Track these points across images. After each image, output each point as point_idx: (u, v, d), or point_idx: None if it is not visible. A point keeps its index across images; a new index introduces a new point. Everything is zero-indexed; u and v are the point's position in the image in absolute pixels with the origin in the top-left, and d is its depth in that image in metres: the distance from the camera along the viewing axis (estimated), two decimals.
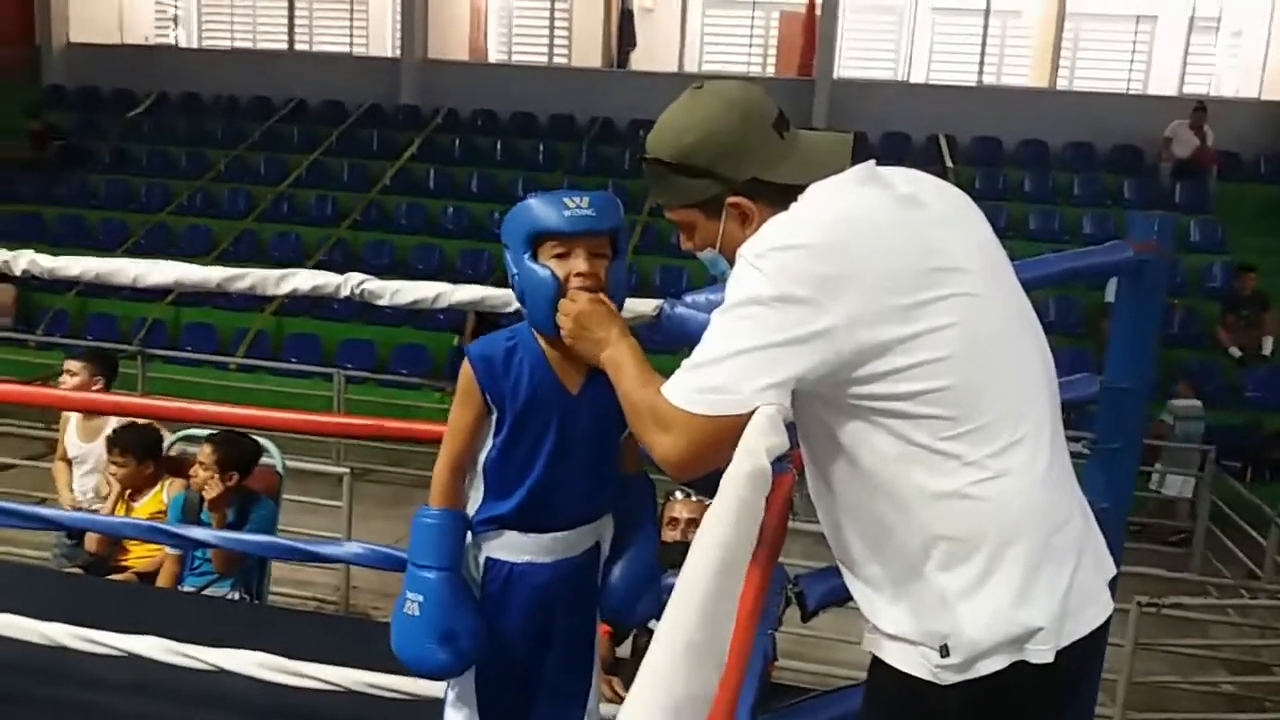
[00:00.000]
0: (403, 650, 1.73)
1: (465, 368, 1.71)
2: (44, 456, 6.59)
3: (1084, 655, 1.40)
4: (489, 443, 1.73)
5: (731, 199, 1.43)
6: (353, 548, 2.24)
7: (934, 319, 1.32)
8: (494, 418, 1.71)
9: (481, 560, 1.77)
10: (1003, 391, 1.36)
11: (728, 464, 1.17)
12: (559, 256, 1.65)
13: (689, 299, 2.01)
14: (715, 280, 1.62)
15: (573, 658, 1.82)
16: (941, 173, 11.71)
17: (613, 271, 1.69)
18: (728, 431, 1.29)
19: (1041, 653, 1.34)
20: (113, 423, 4.25)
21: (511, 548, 1.75)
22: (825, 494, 1.47)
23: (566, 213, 1.63)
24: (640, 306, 2.02)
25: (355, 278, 2.18)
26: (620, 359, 1.52)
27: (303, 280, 2.18)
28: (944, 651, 1.35)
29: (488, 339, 1.74)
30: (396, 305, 2.17)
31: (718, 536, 0.99)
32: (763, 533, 1.34)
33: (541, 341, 1.72)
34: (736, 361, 1.31)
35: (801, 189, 1.40)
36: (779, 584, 1.96)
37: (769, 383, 1.30)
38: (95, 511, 4.15)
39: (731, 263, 1.45)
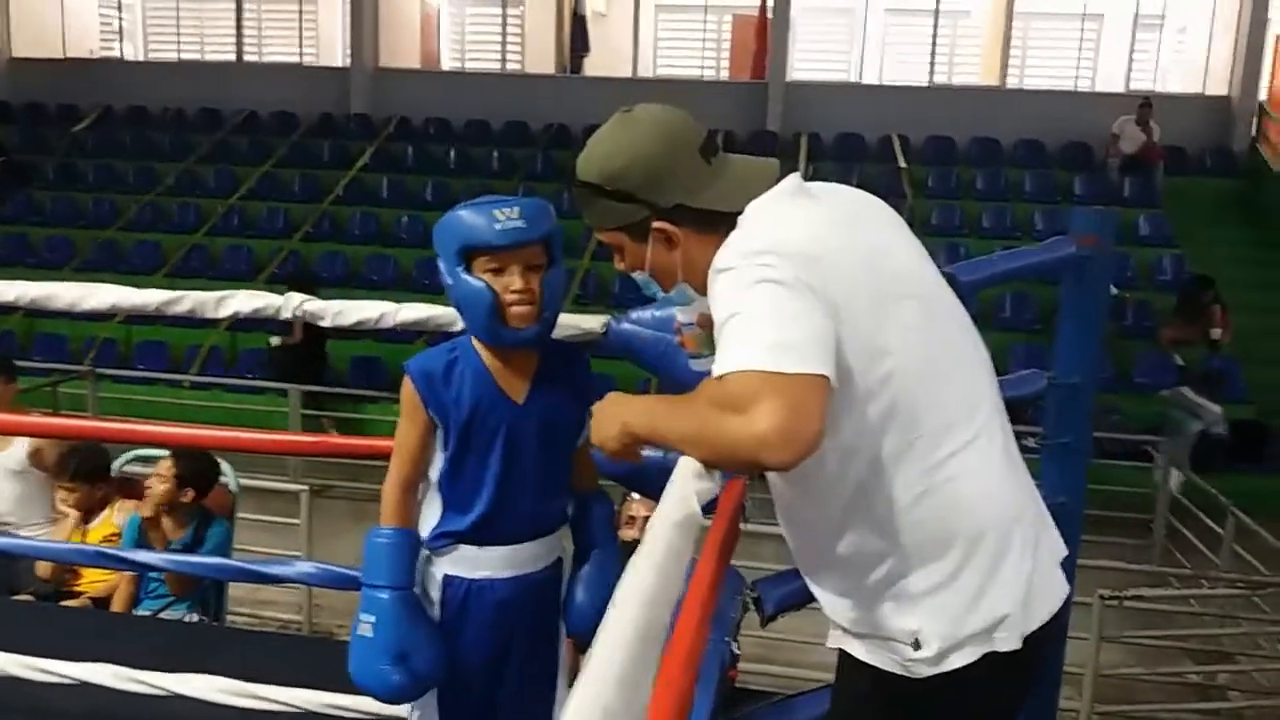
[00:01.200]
0: (357, 673, 1.71)
1: (406, 383, 1.70)
2: None
3: (1048, 639, 1.45)
4: (439, 457, 1.71)
5: (656, 224, 1.45)
6: (305, 567, 2.20)
7: (891, 324, 1.35)
8: (440, 432, 1.69)
9: (438, 577, 1.75)
10: (954, 392, 1.40)
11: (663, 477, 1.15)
12: (492, 271, 1.63)
13: (634, 315, 2.01)
14: (653, 299, 1.61)
15: (537, 676, 1.80)
16: (895, 172, 11.86)
17: (548, 281, 1.67)
18: (818, 393, 1.21)
19: (1009, 640, 1.38)
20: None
21: (468, 563, 1.73)
22: (792, 504, 1.49)
23: (498, 225, 1.60)
24: (586, 323, 2.01)
25: (296, 298, 2.14)
26: (648, 421, 1.37)
27: (242, 302, 2.14)
28: (915, 645, 1.38)
29: (428, 353, 1.73)
30: (339, 326, 2.13)
31: (642, 591, 0.96)
32: (714, 537, 1.34)
33: (483, 352, 1.70)
34: (783, 322, 1.25)
35: (725, 214, 1.42)
36: (735, 589, 1.96)
37: (825, 339, 1.26)
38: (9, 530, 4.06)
39: (662, 284, 1.49)
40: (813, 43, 14.14)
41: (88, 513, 3.91)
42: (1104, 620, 3.99)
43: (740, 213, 1.42)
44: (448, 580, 1.74)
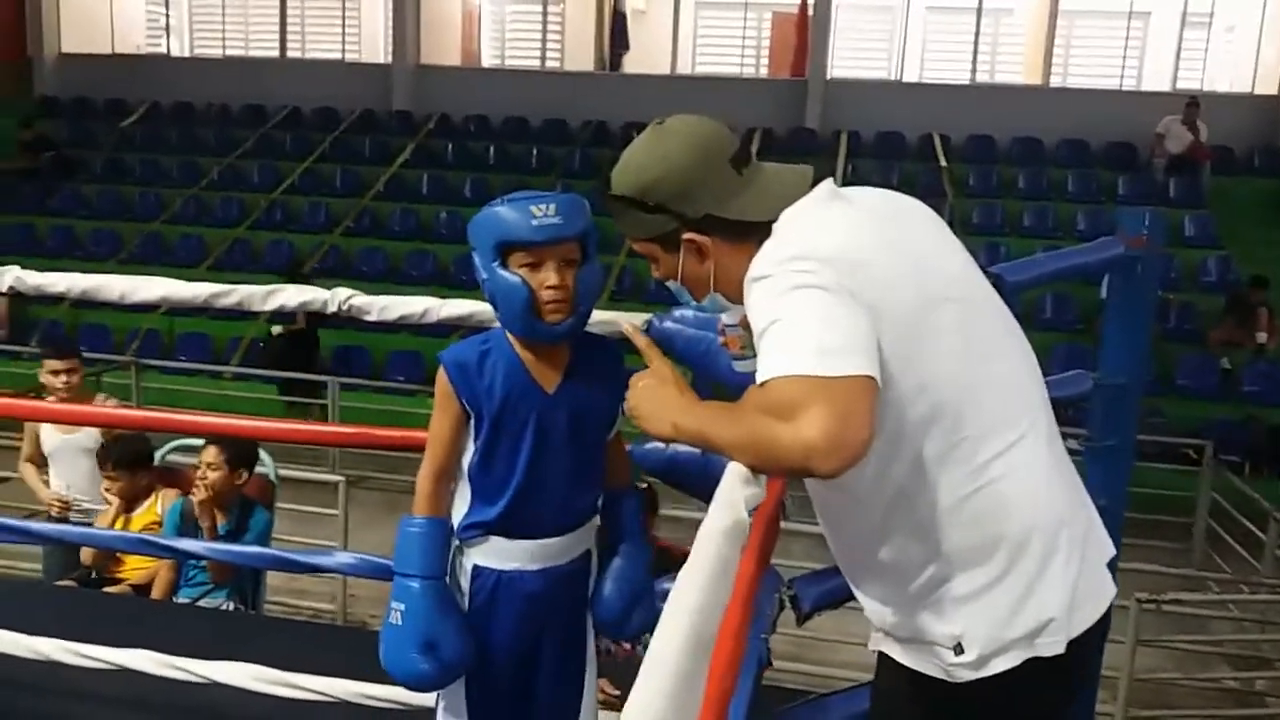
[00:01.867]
0: (387, 660, 1.72)
1: (441, 374, 1.71)
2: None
3: (1092, 642, 1.43)
4: (470, 448, 1.72)
5: (687, 235, 1.45)
6: (344, 558, 2.22)
7: (933, 326, 1.34)
8: (473, 422, 1.71)
9: (468, 568, 1.76)
10: (999, 394, 1.38)
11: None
12: (529, 266, 1.64)
13: (677, 314, 2.01)
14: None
15: (565, 669, 1.80)
16: (936, 171, 11.76)
17: (583, 277, 1.67)
18: (866, 396, 1.20)
19: (1054, 645, 1.36)
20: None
21: (498, 554, 1.74)
22: (832, 508, 1.48)
23: (534, 222, 1.61)
24: (629, 320, 2.01)
25: (343, 293, 2.17)
26: (698, 425, 1.35)
27: (290, 296, 2.18)
28: (958, 649, 1.37)
29: (462, 344, 1.74)
30: (384, 320, 2.16)
31: (691, 601, 0.96)
32: (754, 538, 1.33)
33: (515, 344, 1.72)
34: (827, 326, 1.24)
35: (757, 223, 1.42)
36: (772, 587, 1.95)
37: (867, 341, 1.25)
38: (83, 507, 4.14)
39: (695, 294, 1.50)
40: (853, 40, 14.03)
41: (131, 501, 3.97)
42: (1141, 624, 3.93)
43: (774, 221, 1.41)
44: (477, 571, 1.75)
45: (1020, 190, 11.68)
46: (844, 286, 1.27)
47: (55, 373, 4.11)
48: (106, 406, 4.14)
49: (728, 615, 1.09)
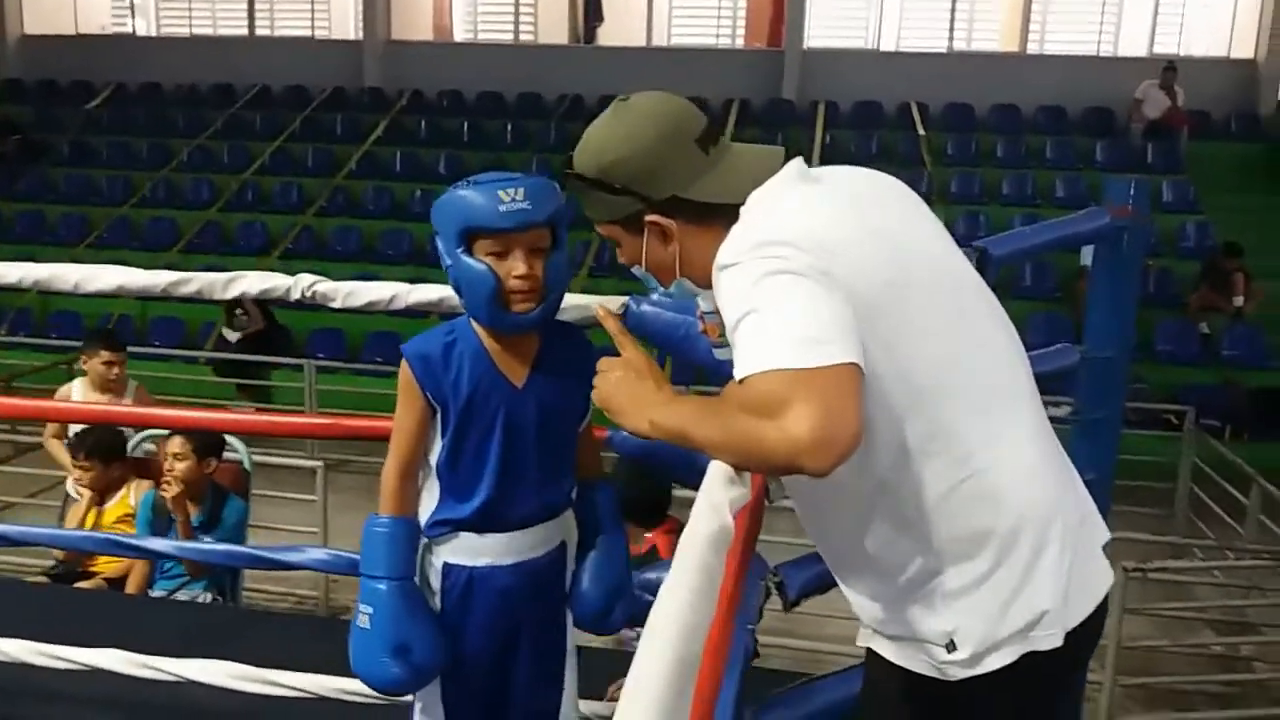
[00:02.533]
0: (357, 666, 1.67)
1: (404, 367, 1.64)
2: (9, 460, 6.48)
3: (1089, 630, 1.39)
4: (437, 443, 1.66)
5: (650, 217, 1.39)
6: (316, 554, 2.16)
7: (913, 310, 1.28)
8: (439, 416, 1.64)
9: (439, 566, 1.70)
10: (981, 378, 1.33)
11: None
12: (495, 254, 1.57)
13: (655, 296, 1.95)
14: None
15: (543, 664, 1.75)
16: (914, 140, 11.71)
17: (552, 264, 1.60)
18: (851, 385, 1.13)
19: (1050, 638, 1.32)
20: (132, 397, 4.50)
21: (469, 551, 1.68)
22: (812, 500, 1.43)
23: (502, 207, 1.54)
24: (605, 304, 1.95)
25: (306, 279, 2.09)
26: (678, 423, 1.28)
27: (251, 283, 2.09)
28: (950, 647, 1.32)
29: (425, 336, 1.67)
30: (349, 308, 2.08)
31: (676, 618, 0.91)
32: (737, 529, 1.28)
33: (481, 334, 1.65)
34: (806, 314, 1.17)
35: (724, 205, 1.36)
36: (758, 575, 1.91)
37: (847, 326, 1.18)
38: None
39: (660, 280, 1.43)
40: (830, 9, 13.91)
41: (103, 492, 3.91)
42: (1127, 592, 3.93)
43: (741, 205, 1.35)
44: (448, 569, 1.69)
45: (999, 158, 11.65)
46: (818, 269, 1.21)
47: (109, 364, 4.46)
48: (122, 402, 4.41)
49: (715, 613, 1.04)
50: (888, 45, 13.96)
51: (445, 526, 1.68)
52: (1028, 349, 1.46)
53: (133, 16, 15.66)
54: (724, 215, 1.35)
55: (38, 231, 11.21)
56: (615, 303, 2.00)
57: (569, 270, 1.67)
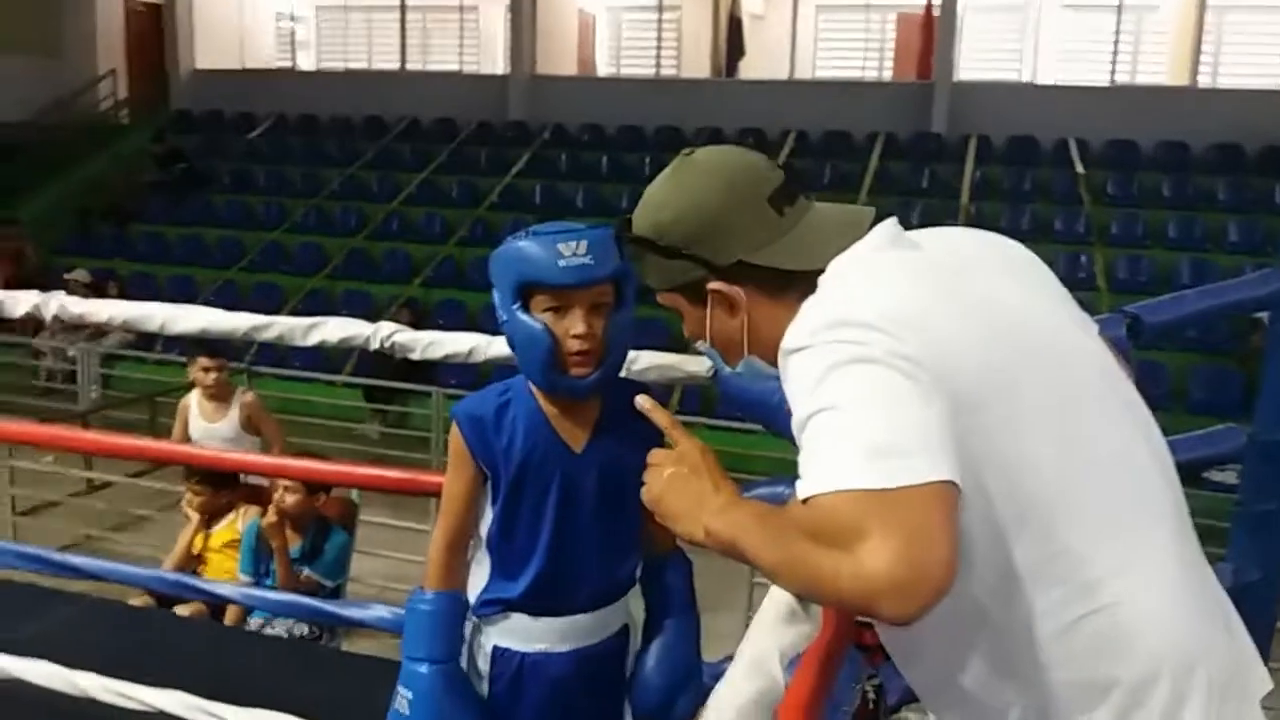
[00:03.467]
0: None
1: (454, 430, 1.51)
2: (145, 474, 6.72)
3: None
4: (489, 513, 1.51)
5: (713, 284, 1.20)
6: (379, 611, 2.05)
7: (1020, 403, 1.05)
8: (490, 484, 1.50)
9: (488, 649, 1.55)
10: (1108, 489, 1.08)
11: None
12: (553, 310, 1.42)
13: (751, 356, 1.75)
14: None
15: None
16: (1071, 178, 11.12)
17: (614, 324, 1.45)
18: (944, 509, 0.92)
19: None
20: (238, 403, 4.58)
21: (522, 634, 1.52)
22: (908, 633, 1.18)
23: (561, 262, 1.40)
24: (690, 365, 1.77)
25: (385, 329, 2.01)
26: (734, 537, 1.07)
27: (331, 331, 2.03)
28: None
29: (478, 396, 1.53)
30: (428, 359, 1.98)
31: None
32: (809, 665, 1.07)
33: (538, 395, 1.50)
34: (885, 416, 0.97)
35: (799, 273, 1.15)
36: (852, 676, 1.69)
37: (939, 430, 0.97)
38: None
39: (726, 357, 1.24)
40: (982, 41, 13.44)
41: (212, 517, 3.95)
42: None
43: (820, 273, 1.14)
44: (498, 653, 1.54)
45: (1165, 199, 10.93)
46: (901, 355, 0.99)
47: (206, 370, 4.54)
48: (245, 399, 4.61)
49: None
50: (1044, 78, 13.39)
51: (496, 606, 1.53)
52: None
53: (294, 52, 16.44)
54: (799, 286, 1.15)
55: (197, 254, 11.76)
56: (703, 363, 1.81)
57: (631, 331, 1.49)
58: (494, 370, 6.60)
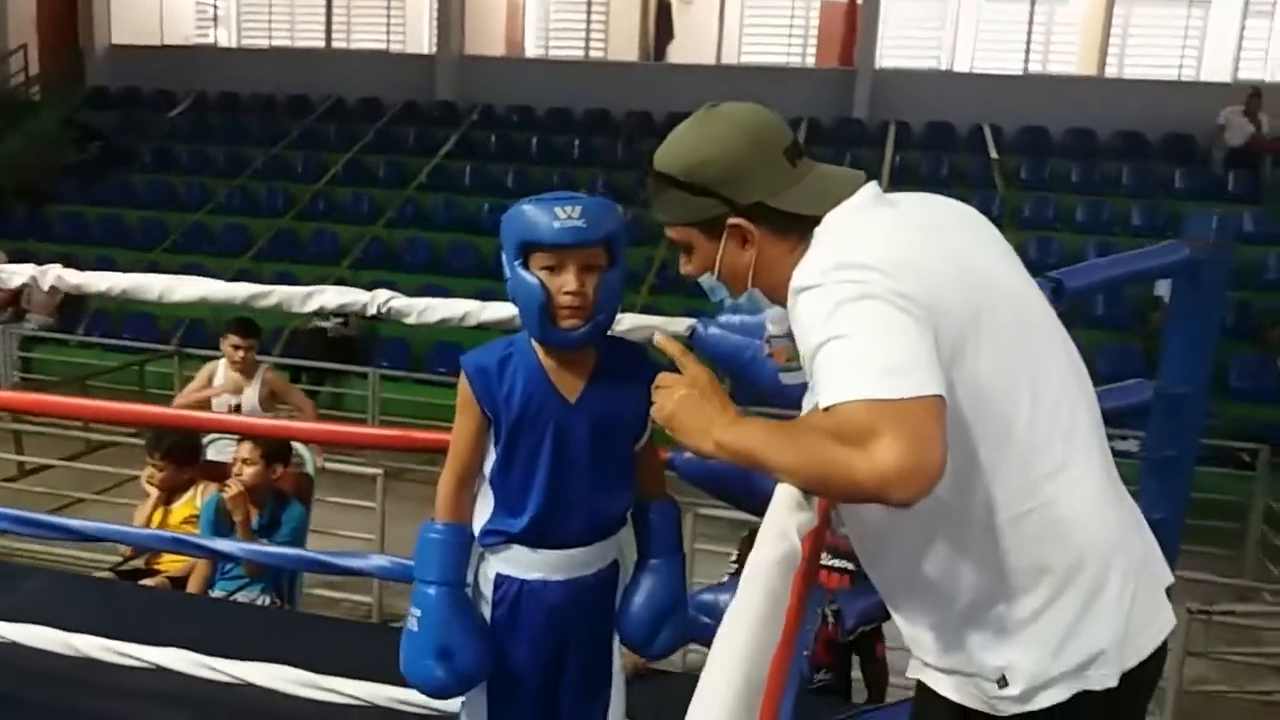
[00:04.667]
0: (405, 667, 1.72)
1: (462, 379, 1.68)
2: (80, 456, 6.66)
3: (1146, 673, 1.36)
4: (492, 453, 1.69)
5: (733, 220, 1.38)
6: (378, 560, 2.19)
7: (984, 337, 1.27)
8: (492, 428, 1.67)
9: (491, 575, 1.73)
10: (1049, 410, 1.31)
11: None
12: (549, 269, 1.60)
13: (723, 319, 1.94)
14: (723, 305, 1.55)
15: (589, 683, 1.75)
16: (986, 163, 11.54)
17: (605, 283, 1.62)
18: (937, 417, 1.13)
19: (1105, 678, 1.30)
20: (260, 379, 4.88)
21: (521, 563, 1.70)
22: (876, 526, 1.40)
23: (556, 224, 1.58)
24: (672, 326, 1.95)
25: (382, 295, 2.15)
26: (747, 444, 1.26)
27: (329, 297, 2.17)
28: (1002, 682, 1.31)
29: (485, 348, 1.70)
30: (424, 323, 2.13)
31: (743, 643, 0.93)
32: (802, 550, 1.26)
33: (538, 349, 1.68)
34: (890, 342, 1.17)
35: (805, 218, 1.35)
36: (815, 602, 1.89)
37: (931, 354, 1.18)
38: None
39: (732, 288, 1.43)
40: (903, 29, 13.80)
41: (171, 493, 3.99)
42: (1190, 635, 3.82)
43: (817, 221, 1.35)
44: (500, 579, 1.72)
45: (1074, 184, 11.42)
46: (899, 293, 1.20)
47: (236, 347, 4.84)
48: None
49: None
50: (961, 66, 13.81)
51: (498, 536, 1.71)
52: (1097, 380, 1.44)
53: (215, 27, 16.11)
54: (801, 230, 1.35)
55: (118, 236, 11.52)
56: (681, 324, 1.99)
57: (622, 291, 1.67)
58: (428, 353, 6.82)
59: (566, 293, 1.59)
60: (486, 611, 1.72)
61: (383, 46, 15.14)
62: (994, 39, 13.75)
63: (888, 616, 1.64)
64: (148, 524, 3.92)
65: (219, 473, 4.00)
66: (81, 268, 2.40)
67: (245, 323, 5.01)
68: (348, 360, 8.69)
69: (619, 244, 1.64)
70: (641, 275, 9.46)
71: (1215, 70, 13.21)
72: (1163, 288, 8.06)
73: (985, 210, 1.44)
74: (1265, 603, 5.06)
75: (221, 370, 4.96)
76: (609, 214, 1.62)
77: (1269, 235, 10.25)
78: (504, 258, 1.64)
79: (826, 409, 1.17)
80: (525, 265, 1.61)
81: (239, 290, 2.22)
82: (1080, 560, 1.29)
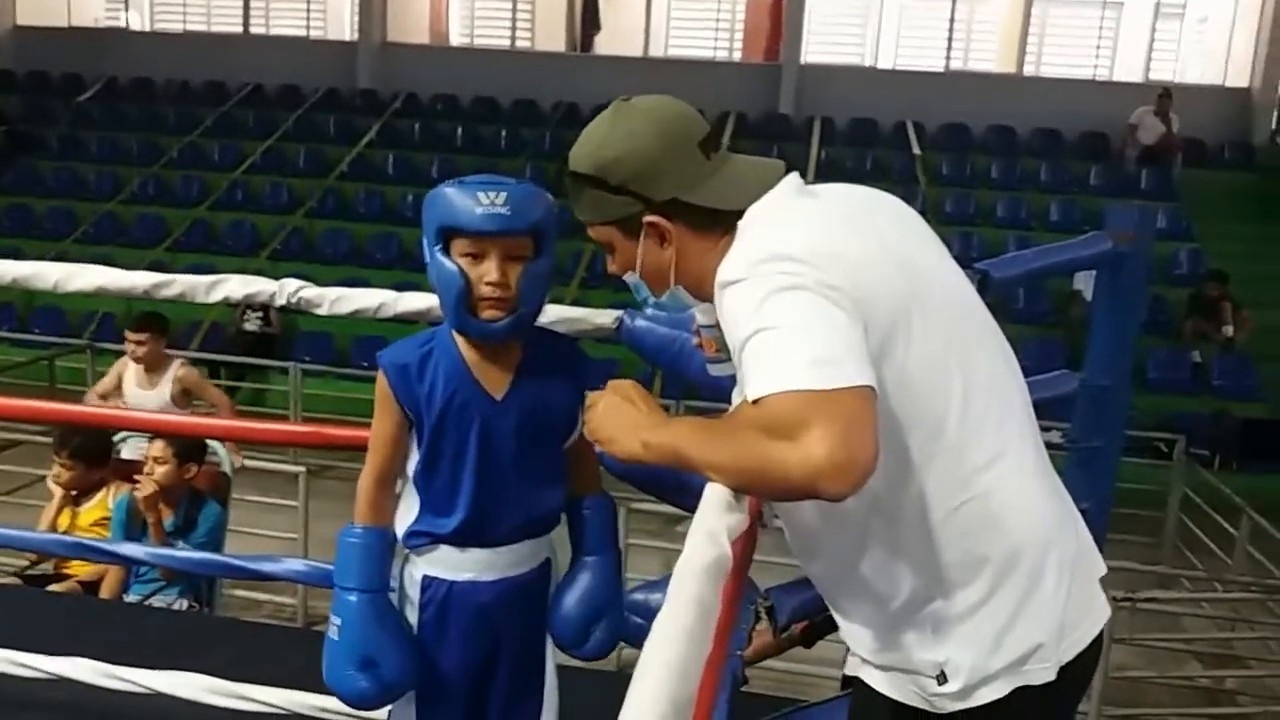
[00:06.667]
0: (328, 677, 1.63)
1: (380, 376, 1.58)
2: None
3: (1083, 666, 1.36)
4: (415, 454, 1.60)
5: (649, 218, 1.34)
6: (294, 564, 2.10)
7: (914, 327, 1.24)
8: (414, 428, 1.59)
9: (417, 578, 1.64)
10: (981, 401, 1.29)
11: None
12: (470, 256, 1.50)
13: (650, 311, 1.90)
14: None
15: (521, 685, 1.69)
16: (909, 159, 11.70)
17: (529, 274, 1.53)
18: (868, 408, 1.10)
19: (1044, 672, 1.29)
20: (172, 375, 4.71)
21: (449, 564, 1.62)
22: (809, 524, 1.37)
23: (479, 210, 1.47)
24: (598, 318, 1.90)
25: (291, 284, 2.03)
26: (673, 444, 1.24)
27: (234, 287, 2.04)
28: (941, 679, 1.29)
29: (403, 344, 1.60)
30: (336, 314, 2.03)
31: (670, 658, 0.87)
32: (734, 552, 1.23)
33: (460, 343, 1.58)
34: (818, 333, 1.14)
35: (725, 212, 1.32)
36: (748, 599, 1.87)
37: (859, 344, 1.15)
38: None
39: (653, 287, 1.39)
40: (827, 25, 13.92)
41: (82, 493, 3.82)
42: (1115, 622, 3.90)
43: (739, 215, 1.31)
44: (428, 581, 1.63)
45: (994, 180, 11.66)
46: (826, 284, 1.17)
47: (134, 343, 4.69)
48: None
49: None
50: (885, 63, 13.99)
51: (424, 538, 1.62)
52: (1030, 380, 1.43)
53: (126, 10, 15.57)
54: (721, 224, 1.32)
55: (24, 225, 11.09)
56: (608, 316, 1.95)
57: (549, 283, 1.59)
58: (350, 347, 6.71)
59: (488, 283, 1.50)
60: (413, 615, 1.64)
61: (303, 33, 14.79)
62: (916, 36, 13.94)
63: (823, 611, 1.62)
64: (54, 527, 3.75)
65: (132, 472, 3.85)
66: None
67: (142, 317, 4.83)
68: (269, 358, 8.47)
69: (546, 234, 1.55)
70: (571, 271, 9.39)
71: (1128, 70, 13.59)
72: (1082, 281, 8.26)
73: (908, 205, 1.43)
74: (1185, 589, 5.20)
75: (130, 365, 4.78)
76: (537, 201, 1.52)
77: (1180, 231, 10.58)
78: (424, 242, 1.55)
79: (755, 401, 1.13)
80: (446, 251, 1.51)
81: (138, 280, 2.09)
82: (1017, 553, 1.27)
